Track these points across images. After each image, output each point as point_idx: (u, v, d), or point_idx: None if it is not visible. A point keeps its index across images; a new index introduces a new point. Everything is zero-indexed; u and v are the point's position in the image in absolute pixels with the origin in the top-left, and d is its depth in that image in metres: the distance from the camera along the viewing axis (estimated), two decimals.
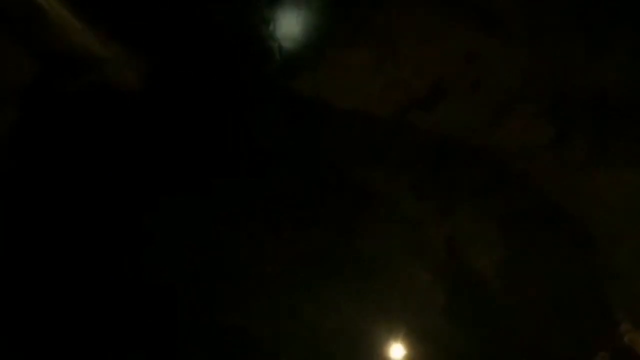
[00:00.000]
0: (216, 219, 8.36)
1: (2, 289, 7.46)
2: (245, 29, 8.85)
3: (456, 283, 8.82)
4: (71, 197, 8.07)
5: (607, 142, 8.78)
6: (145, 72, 8.51)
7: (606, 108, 8.74)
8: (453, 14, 8.82)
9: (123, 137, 8.37)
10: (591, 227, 8.74)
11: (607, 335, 8.21)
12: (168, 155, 8.54)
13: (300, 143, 8.88)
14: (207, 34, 8.67)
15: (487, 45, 8.80)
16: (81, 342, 7.58)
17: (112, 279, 7.88)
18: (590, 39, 8.68)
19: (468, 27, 8.83)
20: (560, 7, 8.68)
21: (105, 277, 7.90)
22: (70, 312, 7.68)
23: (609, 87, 8.68)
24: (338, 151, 8.92)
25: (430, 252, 8.82)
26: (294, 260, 8.35)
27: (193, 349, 7.81)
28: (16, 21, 7.94)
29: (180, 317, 7.94)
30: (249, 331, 7.99)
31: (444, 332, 8.51)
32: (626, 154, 8.66)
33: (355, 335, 8.22)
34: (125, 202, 8.19)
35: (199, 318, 7.92)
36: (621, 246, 8.58)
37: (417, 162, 9.04)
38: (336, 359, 8.10)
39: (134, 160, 8.37)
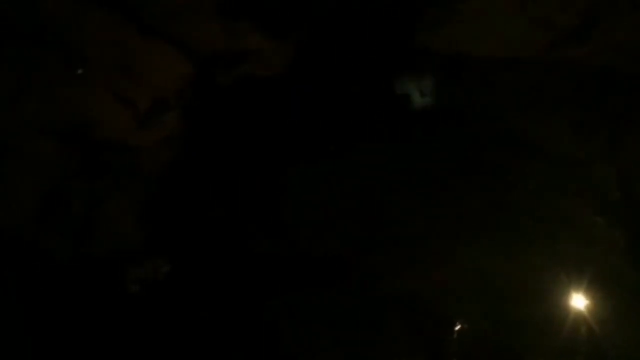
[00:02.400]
0: (377, 183, 8.46)
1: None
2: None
3: (635, 221, 8.14)
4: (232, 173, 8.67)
5: None
6: (290, 56, 8.78)
7: None
8: None
9: (275, 115, 8.79)
10: None
11: None
12: (319, 126, 8.81)
13: (448, 97, 8.70)
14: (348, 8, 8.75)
15: None
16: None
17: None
18: None
19: None
20: None
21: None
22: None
23: None
24: (489, 100, 8.62)
25: (602, 192, 8.23)
26: (456, 214, 8.21)
27: (372, 317, 7.95)
28: (165, 28, 8.59)
29: (353, 285, 8.10)
30: (420, 291, 7.96)
31: (627, 276, 7.90)
32: None
33: (532, 286, 7.86)
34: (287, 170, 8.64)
35: (372, 285, 8.05)
36: None
37: (575, 98, 8.49)
38: (515, 312, 7.80)
39: (285, 135, 8.76)
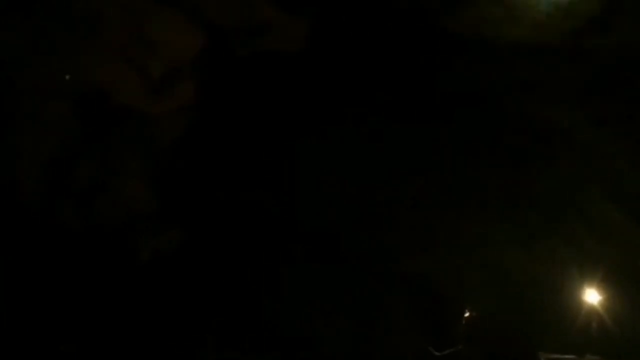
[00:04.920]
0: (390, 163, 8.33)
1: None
2: None
3: None
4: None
5: None
6: (307, 33, 8.63)
7: None
8: None
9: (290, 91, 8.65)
10: None
11: None
12: (334, 103, 8.67)
13: (469, 85, 8.51)
14: None
15: None
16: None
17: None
18: None
19: None
20: None
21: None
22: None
23: None
24: (511, 87, 8.42)
25: (623, 186, 8.02)
26: (476, 200, 8.08)
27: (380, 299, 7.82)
28: None
29: (364, 263, 7.96)
30: (433, 275, 7.83)
31: None
32: None
33: (545, 277, 7.68)
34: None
35: (383, 264, 7.92)
36: None
37: (599, 90, 8.27)
38: (526, 302, 7.64)
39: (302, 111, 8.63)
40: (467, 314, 7.63)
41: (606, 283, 7.64)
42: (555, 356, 7.39)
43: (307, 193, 8.28)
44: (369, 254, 7.99)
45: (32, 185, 7.84)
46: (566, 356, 7.41)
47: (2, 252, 7.56)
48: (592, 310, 7.60)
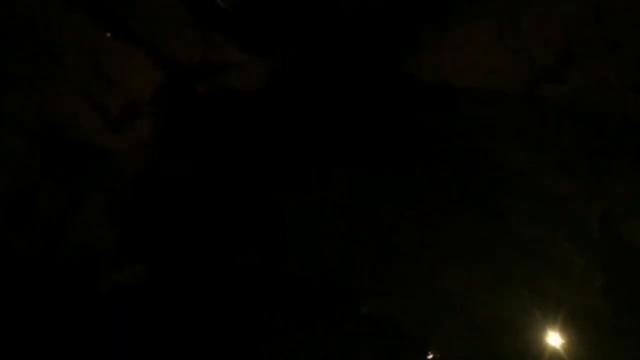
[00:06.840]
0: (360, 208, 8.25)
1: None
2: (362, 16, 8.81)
3: (613, 262, 7.99)
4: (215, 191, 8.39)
5: None
6: (269, 71, 8.68)
7: None
8: None
9: (251, 133, 8.58)
10: None
11: None
12: (293, 149, 8.63)
13: (431, 129, 8.61)
14: (326, 26, 8.74)
15: None
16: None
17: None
18: None
19: None
20: None
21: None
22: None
23: None
24: (471, 132, 8.56)
25: (583, 230, 8.10)
26: (441, 244, 8.02)
27: (343, 340, 7.58)
28: (141, 35, 8.45)
29: (334, 307, 7.75)
30: (398, 317, 7.63)
31: (604, 315, 7.71)
32: None
33: (509, 320, 7.59)
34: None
35: (350, 307, 7.72)
36: None
37: (559, 136, 8.46)
38: (489, 345, 7.51)
39: (261, 154, 8.56)
40: (430, 356, 7.46)
41: (568, 326, 7.59)
42: None
43: (275, 234, 8.12)
44: (335, 296, 7.78)
45: None
46: None
47: None
48: (554, 354, 7.52)
